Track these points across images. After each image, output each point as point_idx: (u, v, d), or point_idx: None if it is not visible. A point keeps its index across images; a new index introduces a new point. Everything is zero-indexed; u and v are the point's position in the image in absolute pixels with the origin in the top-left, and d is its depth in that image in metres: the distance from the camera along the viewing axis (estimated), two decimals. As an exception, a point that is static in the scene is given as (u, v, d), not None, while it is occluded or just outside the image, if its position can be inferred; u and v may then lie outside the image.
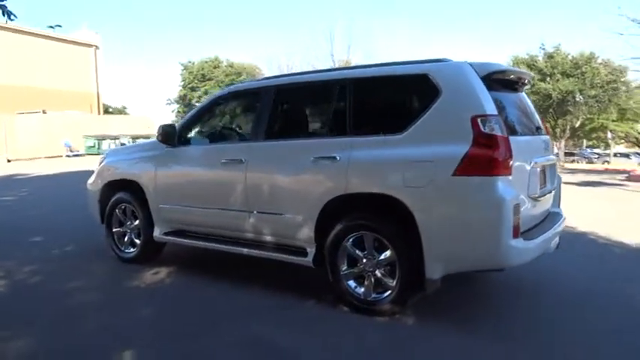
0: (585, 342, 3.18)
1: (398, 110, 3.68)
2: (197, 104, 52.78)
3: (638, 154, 39.17)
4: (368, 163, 3.46)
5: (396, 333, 3.28)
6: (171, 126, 4.55)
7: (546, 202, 3.86)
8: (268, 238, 4.07)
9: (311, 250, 3.79)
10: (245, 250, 4.17)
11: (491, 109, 3.18)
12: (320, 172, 3.67)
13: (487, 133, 3.08)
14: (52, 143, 28.60)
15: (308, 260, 3.78)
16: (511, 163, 3.12)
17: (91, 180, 5.44)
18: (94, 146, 29.99)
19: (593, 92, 30.88)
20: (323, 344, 3.14)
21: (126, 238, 5.09)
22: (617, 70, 31.04)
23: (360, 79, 3.72)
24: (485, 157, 3.07)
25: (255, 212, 4.05)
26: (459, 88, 3.27)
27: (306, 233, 3.77)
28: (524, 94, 4.03)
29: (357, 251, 3.59)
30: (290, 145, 3.96)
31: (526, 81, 3.83)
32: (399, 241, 3.37)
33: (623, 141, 48.08)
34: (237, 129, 5.15)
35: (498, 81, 3.51)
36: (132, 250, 5.03)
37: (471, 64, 3.36)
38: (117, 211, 5.09)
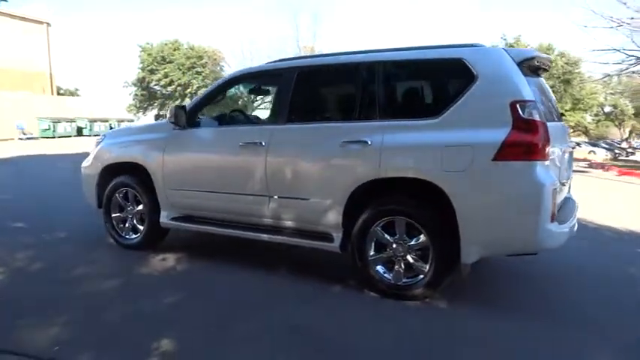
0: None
1: (431, 94, 3.68)
2: (156, 87, 51.96)
3: (587, 142, 41.04)
4: (403, 147, 3.44)
5: (432, 317, 3.32)
6: (182, 107, 4.37)
7: (566, 188, 3.98)
8: (290, 224, 4.00)
9: (337, 235, 3.76)
10: (265, 236, 4.09)
11: (529, 94, 3.22)
12: (350, 156, 3.63)
13: (527, 119, 3.13)
14: (2, 125, 27.05)
15: (335, 246, 3.75)
16: (548, 148, 3.18)
17: (86, 163, 5.18)
18: (49, 129, 28.64)
19: (550, 82, 32.08)
20: (364, 329, 3.13)
21: (127, 224, 4.88)
22: (573, 61, 32.37)
23: (390, 62, 3.69)
24: (526, 142, 3.11)
25: (275, 197, 3.97)
26: (497, 73, 3.29)
27: (333, 218, 3.73)
28: (543, 79, 4.11)
29: (387, 236, 3.58)
30: (316, 129, 3.89)
31: (547, 67, 3.91)
32: (433, 226, 3.39)
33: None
34: (255, 111, 5.01)
35: (528, 67, 3.56)
36: (134, 236, 4.85)
37: (505, 50, 3.38)
38: (117, 195, 4.87)
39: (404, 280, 3.56)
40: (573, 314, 3.43)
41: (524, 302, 3.67)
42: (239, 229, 4.24)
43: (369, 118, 3.64)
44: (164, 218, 4.60)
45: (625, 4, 18.30)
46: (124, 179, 4.82)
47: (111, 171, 4.91)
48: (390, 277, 3.60)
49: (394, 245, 3.57)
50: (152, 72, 50.04)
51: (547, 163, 3.17)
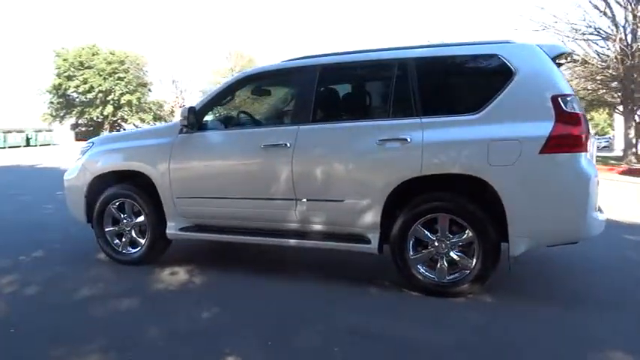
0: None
1: (468, 90, 3.72)
2: (74, 94, 48.64)
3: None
4: (445, 143, 3.45)
5: (485, 312, 3.33)
6: (192, 109, 4.10)
7: None
8: (320, 227, 3.88)
9: (374, 236, 3.70)
10: (292, 242, 3.93)
11: (568, 88, 3.36)
12: (388, 154, 3.58)
13: (570, 112, 3.25)
14: None
15: (372, 247, 3.68)
16: (589, 140, 3.32)
17: (71, 174, 4.73)
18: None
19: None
20: (424, 327, 3.08)
21: (124, 238, 4.50)
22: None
23: (424, 58, 3.69)
24: (571, 135, 3.23)
25: (304, 200, 3.83)
26: (535, 68, 3.40)
27: (370, 219, 3.66)
28: None
29: (429, 234, 3.57)
30: (347, 128, 3.80)
31: (564, 61, 4.07)
32: (478, 221, 3.42)
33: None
34: (275, 112, 4.81)
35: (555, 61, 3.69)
36: (133, 250, 4.48)
37: (539, 46, 3.50)
38: (111, 207, 4.48)
39: (448, 278, 3.56)
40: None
41: (575, 292, 3.78)
42: (261, 236, 4.06)
43: (405, 116, 3.61)
44: (171, 229, 4.29)
45: (543, 8, 19.90)
46: (120, 189, 4.45)
47: (103, 181, 4.51)
48: (433, 275, 3.59)
49: (436, 243, 3.56)
50: (69, 78, 47.12)
51: (588, 155, 3.30)
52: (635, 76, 17.75)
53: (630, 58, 16.99)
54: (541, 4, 24.72)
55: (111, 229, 4.52)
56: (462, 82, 3.81)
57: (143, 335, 2.98)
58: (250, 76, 4.25)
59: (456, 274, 3.55)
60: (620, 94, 19.32)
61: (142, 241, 4.43)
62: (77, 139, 51.35)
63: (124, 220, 4.48)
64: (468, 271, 3.50)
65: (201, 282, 4.02)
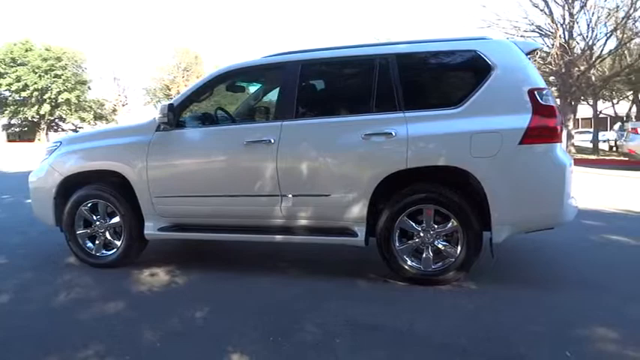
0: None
1: (449, 85, 3.87)
2: (7, 92, 45.75)
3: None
4: (430, 136, 3.58)
5: (473, 298, 3.49)
6: (170, 106, 4.02)
7: None
8: (306, 222, 3.92)
9: (360, 230, 3.78)
10: (278, 237, 3.96)
11: (542, 82, 3.58)
12: (374, 148, 3.67)
13: (545, 105, 3.46)
14: None
15: (359, 240, 3.77)
16: (562, 131, 3.55)
17: (37, 175, 4.52)
18: None
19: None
20: (420, 317, 3.20)
21: (97, 240, 4.36)
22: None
23: (406, 54, 3.80)
24: (547, 127, 3.45)
25: (289, 196, 3.86)
26: (512, 63, 3.59)
27: (357, 212, 3.75)
28: None
29: (415, 225, 3.69)
30: (332, 123, 3.85)
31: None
32: (462, 211, 3.58)
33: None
34: (257, 108, 4.76)
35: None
36: (107, 253, 4.35)
37: (514, 42, 3.70)
38: (83, 209, 4.33)
39: (433, 267, 3.70)
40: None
41: (551, 274, 4.02)
42: (245, 233, 4.05)
43: (389, 110, 3.71)
44: (150, 229, 4.20)
45: (484, 6, 20.79)
46: (93, 190, 4.30)
47: (74, 182, 4.35)
48: (419, 265, 3.72)
49: (422, 234, 3.69)
50: (0, 76, 44.31)
51: (561, 144, 3.54)
52: (574, 70, 18.84)
53: (569, 53, 18.03)
54: (483, 2, 25.87)
55: (83, 231, 4.36)
56: (442, 77, 3.96)
57: (138, 338, 2.92)
58: (230, 71, 4.22)
59: (440, 263, 3.70)
60: (557, 87, 20.41)
61: (118, 243, 4.30)
62: (9, 140, 48.54)
63: (97, 222, 4.34)
64: (453, 260, 3.66)
65: (184, 282, 3.97)
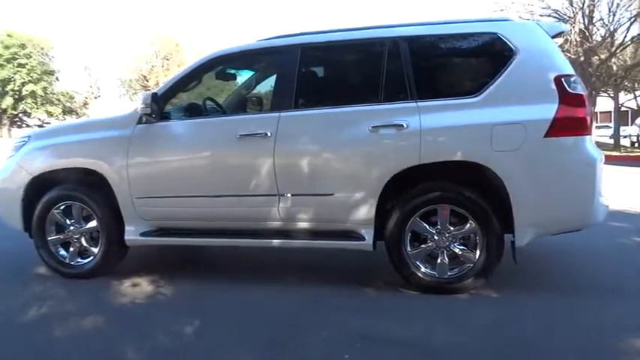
0: None
1: (467, 71, 3.85)
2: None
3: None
4: (446, 128, 3.54)
5: (494, 308, 3.46)
6: (154, 95, 3.96)
7: None
8: (307, 225, 3.88)
9: (368, 232, 3.74)
10: (276, 242, 3.91)
11: (570, 68, 3.54)
12: (383, 141, 3.63)
13: (573, 93, 3.43)
14: None
15: (367, 244, 3.73)
16: (592, 123, 3.53)
17: (3, 174, 4.43)
18: None
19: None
20: (436, 330, 3.16)
21: (72, 247, 4.28)
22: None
23: (419, 36, 3.76)
24: (576, 117, 3.42)
25: (288, 195, 3.82)
26: (537, 48, 3.56)
27: (364, 213, 3.70)
28: None
29: (428, 227, 3.66)
30: (335, 114, 3.81)
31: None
32: (481, 211, 3.54)
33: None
34: (251, 98, 4.70)
35: None
36: (83, 261, 4.27)
37: (538, 24, 3.67)
38: (54, 212, 4.25)
39: (449, 274, 3.66)
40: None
41: (575, 279, 4.01)
42: (239, 237, 4.00)
43: (400, 100, 3.67)
44: (131, 234, 4.14)
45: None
46: (66, 190, 4.23)
47: (44, 181, 4.27)
48: (433, 272, 3.68)
49: (436, 237, 3.65)
50: (-46, 65, 43.91)
51: (591, 137, 3.51)
52: (593, 59, 18.93)
53: (589, 40, 18.11)
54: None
55: (55, 237, 4.29)
56: (459, 62, 3.93)
57: (123, 355, 2.86)
58: (221, 57, 4.16)
59: (457, 269, 3.66)
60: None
61: (95, 250, 4.23)
62: (-34, 136, 48.11)
63: (72, 227, 4.26)
64: (471, 265, 3.62)
65: (170, 293, 3.91)
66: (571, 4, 18.58)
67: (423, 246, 3.70)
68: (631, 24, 19.16)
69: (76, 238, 4.26)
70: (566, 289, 3.78)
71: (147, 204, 4.07)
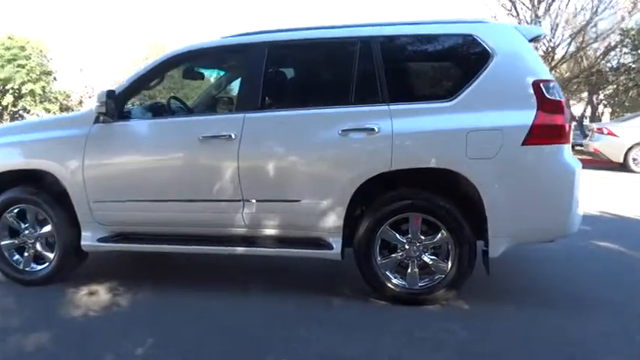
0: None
1: (441, 73, 3.27)
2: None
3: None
4: (419, 133, 2.96)
5: (468, 322, 2.90)
6: (113, 93, 3.27)
7: None
8: (273, 232, 3.26)
9: (336, 241, 3.14)
10: (240, 249, 3.28)
11: (548, 73, 3.01)
12: (353, 146, 3.03)
13: (552, 99, 2.89)
14: None
15: (335, 253, 3.13)
16: (570, 130, 2.99)
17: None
18: None
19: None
20: (412, 346, 2.59)
21: (26, 253, 3.57)
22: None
23: (391, 37, 3.16)
24: (555, 125, 2.88)
25: (252, 201, 3.19)
26: (514, 51, 3.00)
27: (332, 221, 3.10)
28: None
29: (398, 236, 3.08)
30: (303, 116, 3.18)
31: None
32: (454, 220, 2.98)
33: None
34: (215, 98, 4.02)
35: None
36: (38, 267, 3.56)
37: (515, 27, 3.11)
38: (7, 216, 3.53)
39: (420, 284, 3.09)
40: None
41: (544, 289, 3.48)
42: (201, 244, 3.35)
43: (371, 102, 3.07)
44: (87, 240, 3.44)
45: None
46: (19, 193, 3.51)
47: (-5, 183, 3.54)
48: (403, 282, 3.11)
49: (406, 246, 3.08)
50: (-42, 65, 41.53)
51: (569, 146, 2.97)
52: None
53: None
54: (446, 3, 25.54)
55: (8, 242, 3.56)
56: (433, 64, 3.37)
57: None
58: (183, 54, 3.45)
59: (428, 280, 3.10)
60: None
61: (50, 255, 3.52)
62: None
63: (26, 231, 3.54)
64: (443, 276, 3.06)
65: (128, 303, 3.24)
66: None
67: (392, 255, 3.12)
68: (571, 40, 18.98)
69: (31, 243, 3.55)
70: (538, 299, 3.23)
71: (104, 208, 3.39)
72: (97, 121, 3.36)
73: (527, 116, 2.85)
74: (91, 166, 3.34)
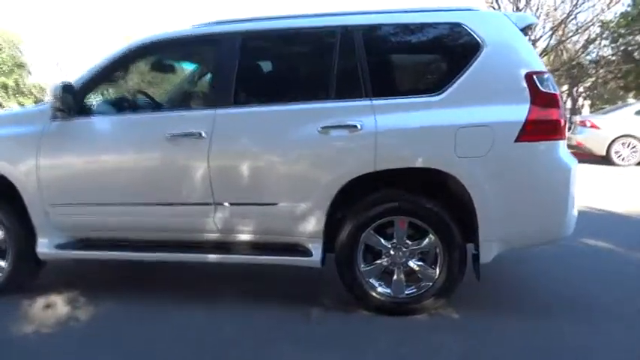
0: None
1: (428, 65, 3.04)
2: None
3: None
4: (405, 130, 2.73)
5: (459, 333, 2.70)
6: (70, 87, 2.97)
7: None
8: (247, 237, 3.02)
9: (316, 247, 2.91)
10: (212, 257, 3.01)
11: (541, 64, 2.80)
12: (334, 144, 2.80)
13: (547, 92, 2.68)
14: None
15: (314, 260, 2.89)
16: (565, 126, 2.80)
17: None
18: None
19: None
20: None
21: (-24, 261, 3.26)
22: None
23: (375, 26, 2.92)
24: (550, 120, 2.68)
25: (225, 204, 2.93)
26: (506, 41, 2.79)
27: (311, 225, 2.87)
28: None
29: (383, 241, 2.86)
30: (279, 113, 2.92)
31: None
32: (443, 224, 2.77)
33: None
34: (183, 92, 3.72)
35: None
36: (-9, 277, 3.25)
37: (507, 16, 2.89)
38: (-45, 221, 3.21)
39: (406, 292, 2.88)
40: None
41: (537, 294, 3.29)
42: (169, 251, 3.08)
43: (352, 97, 2.83)
44: (44, 247, 3.15)
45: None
46: (-33, 196, 3.19)
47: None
48: (388, 290, 2.89)
49: (392, 251, 2.86)
50: None
51: (565, 142, 2.78)
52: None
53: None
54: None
55: (-43, 250, 3.25)
56: (419, 56, 3.12)
57: None
58: (147, 44, 3.15)
59: (415, 288, 2.89)
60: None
61: (3, 264, 3.22)
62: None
63: (-23, 238, 3.23)
64: (431, 283, 2.85)
65: (88, 317, 2.96)
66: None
67: (377, 262, 2.90)
68: (552, 34, 18.99)
69: (-18, 251, 3.24)
70: (531, 306, 3.03)
71: (62, 212, 3.10)
72: (54, 117, 3.06)
73: (520, 111, 2.65)
74: (46, 166, 3.04)
